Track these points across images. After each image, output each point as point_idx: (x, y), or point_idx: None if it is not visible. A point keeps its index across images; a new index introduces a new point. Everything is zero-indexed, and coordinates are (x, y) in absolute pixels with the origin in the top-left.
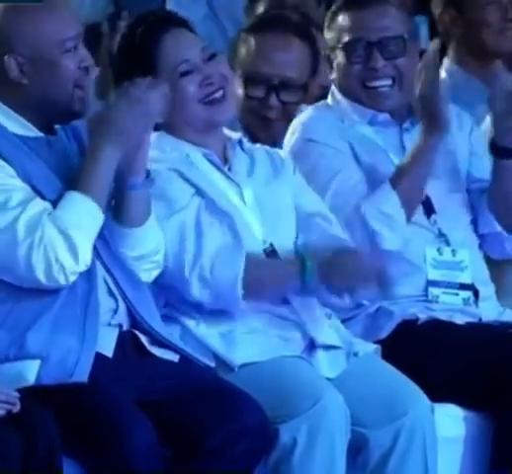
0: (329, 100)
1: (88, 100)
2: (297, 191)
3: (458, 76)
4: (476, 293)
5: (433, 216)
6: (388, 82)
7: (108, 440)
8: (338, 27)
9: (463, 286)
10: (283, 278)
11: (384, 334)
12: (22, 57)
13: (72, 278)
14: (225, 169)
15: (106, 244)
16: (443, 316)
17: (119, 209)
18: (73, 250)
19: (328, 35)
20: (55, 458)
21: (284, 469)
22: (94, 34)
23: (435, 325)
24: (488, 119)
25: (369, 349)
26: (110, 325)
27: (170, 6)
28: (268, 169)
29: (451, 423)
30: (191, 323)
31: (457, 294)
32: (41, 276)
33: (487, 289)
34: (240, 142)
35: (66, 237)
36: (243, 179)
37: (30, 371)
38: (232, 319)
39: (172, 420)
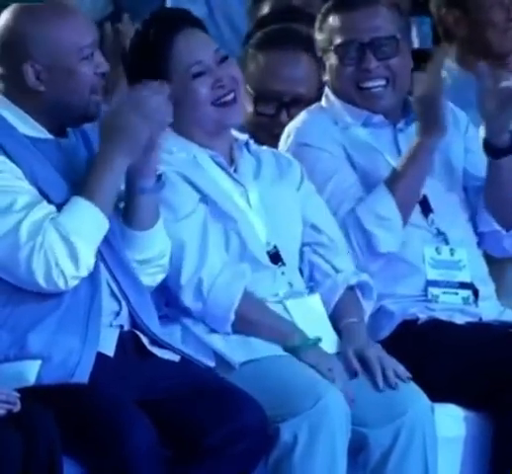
0: (323, 102)
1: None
2: (305, 200)
3: (459, 76)
4: (476, 292)
5: (430, 216)
6: (382, 82)
7: (108, 440)
8: (329, 28)
9: (462, 285)
10: (271, 331)
11: (384, 334)
12: (39, 65)
13: (73, 283)
14: (231, 170)
15: (110, 247)
16: (443, 316)
17: (128, 212)
18: (74, 256)
19: (319, 36)
20: (55, 458)
21: (284, 468)
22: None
23: (435, 325)
24: None
25: None
26: (111, 326)
27: (169, 6)
28: (274, 170)
29: (451, 423)
30: (191, 322)
31: (456, 294)
32: (40, 279)
33: (487, 288)
34: (247, 144)
35: (67, 243)
36: (249, 180)
37: (30, 372)
38: None
39: (172, 419)
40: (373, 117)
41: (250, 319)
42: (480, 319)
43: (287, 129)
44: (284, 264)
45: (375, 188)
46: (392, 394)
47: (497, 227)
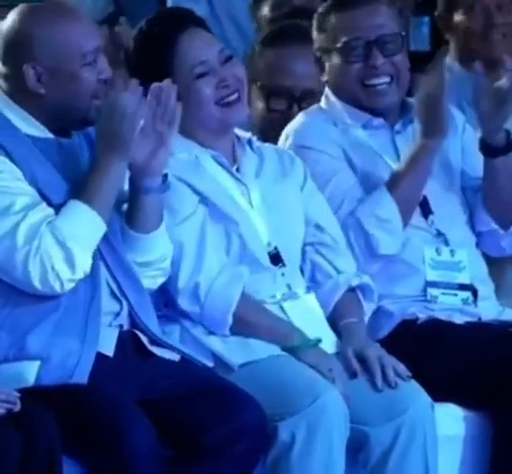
0: (322, 103)
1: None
2: (308, 199)
3: (460, 74)
4: (475, 293)
5: (430, 217)
6: (387, 80)
7: (108, 440)
8: (331, 28)
9: (461, 287)
10: (270, 332)
11: (383, 333)
12: (41, 67)
13: (69, 286)
14: (234, 170)
15: (110, 247)
16: (442, 315)
17: (132, 214)
18: (70, 260)
19: (320, 36)
20: (55, 458)
21: (282, 466)
22: None
23: (434, 325)
24: None
25: None
26: (111, 325)
27: (170, 5)
28: (276, 167)
29: (451, 422)
30: (190, 324)
31: (456, 295)
32: (36, 282)
33: (486, 289)
34: (250, 142)
35: (64, 248)
36: (251, 180)
37: (29, 372)
38: None
39: (172, 419)
40: (373, 120)
41: (248, 321)
42: (480, 319)
43: (285, 131)
44: (284, 265)
45: (374, 189)
46: (393, 392)
47: (495, 226)
